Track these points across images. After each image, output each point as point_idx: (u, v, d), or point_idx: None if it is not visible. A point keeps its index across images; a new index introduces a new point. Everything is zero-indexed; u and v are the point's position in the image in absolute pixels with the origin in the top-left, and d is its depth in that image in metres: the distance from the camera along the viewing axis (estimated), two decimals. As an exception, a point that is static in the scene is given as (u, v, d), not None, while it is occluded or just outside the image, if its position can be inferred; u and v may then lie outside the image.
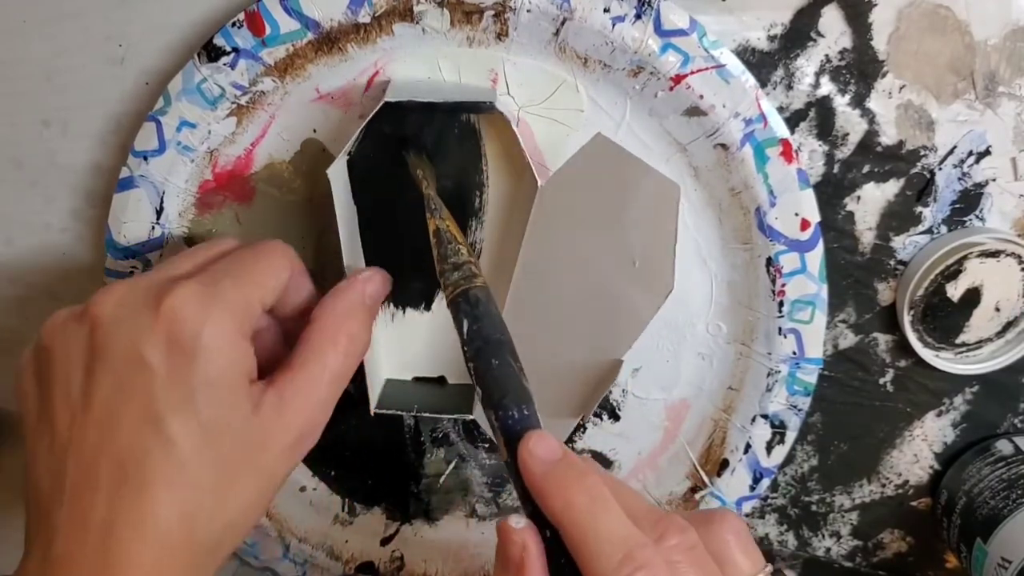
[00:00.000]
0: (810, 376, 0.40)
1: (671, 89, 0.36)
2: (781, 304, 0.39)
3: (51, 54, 0.38)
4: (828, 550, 0.46)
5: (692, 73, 0.35)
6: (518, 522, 0.27)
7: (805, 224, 0.37)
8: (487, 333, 0.31)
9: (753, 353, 0.40)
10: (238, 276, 0.31)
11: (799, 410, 0.40)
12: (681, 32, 0.35)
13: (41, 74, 0.39)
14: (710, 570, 0.26)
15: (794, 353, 0.39)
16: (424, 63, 0.37)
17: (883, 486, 0.44)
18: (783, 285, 0.38)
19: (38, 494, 0.28)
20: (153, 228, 0.38)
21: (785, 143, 0.36)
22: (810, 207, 0.37)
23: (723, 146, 0.37)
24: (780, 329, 0.39)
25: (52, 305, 0.42)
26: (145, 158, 0.37)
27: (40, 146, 0.40)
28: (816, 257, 0.38)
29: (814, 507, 0.45)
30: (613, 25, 0.34)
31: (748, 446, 0.41)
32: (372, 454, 0.44)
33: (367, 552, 0.45)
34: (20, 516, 0.29)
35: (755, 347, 0.40)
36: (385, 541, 0.45)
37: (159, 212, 0.38)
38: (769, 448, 0.41)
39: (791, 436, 0.41)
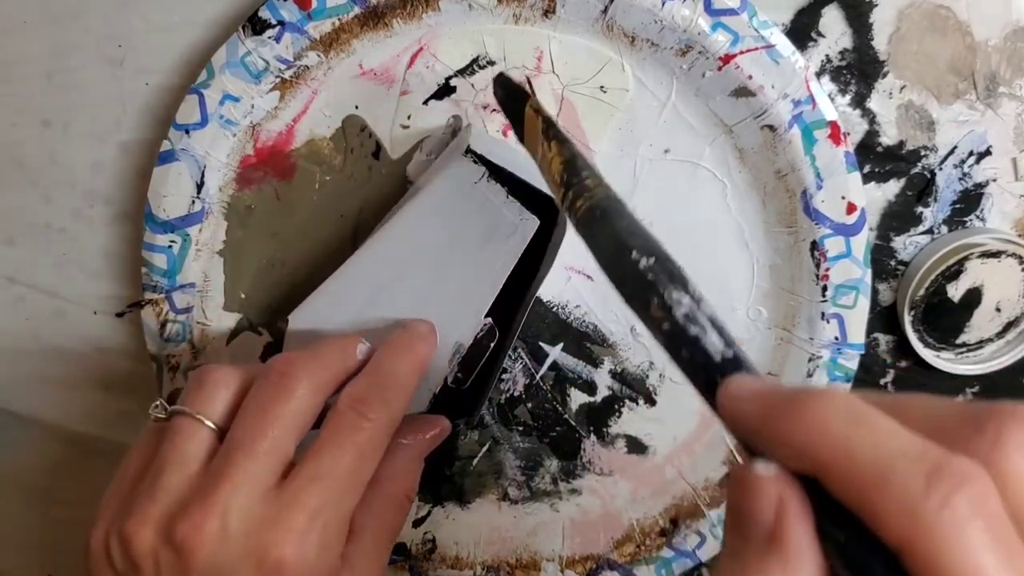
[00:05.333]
0: (851, 362, 0.39)
1: (720, 69, 0.36)
2: (824, 289, 0.38)
3: (51, 54, 0.38)
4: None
5: (741, 53, 0.35)
6: (767, 468, 0.19)
7: (851, 208, 0.37)
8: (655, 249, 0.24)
9: (794, 338, 0.40)
10: (341, 509, 0.30)
11: None
12: (731, 11, 0.35)
13: (41, 74, 0.39)
14: None
15: (836, 339, 0.39)
16: (469, 40, 0.37)
17: (884, 487, 0.44)
18: (827, 269, 0.38)
19: None
20: (193, 202, 0.38)
21: (833, 125, 0.36)
22: (857, 190, 0.37)
23: (770, 127, 0.37)
24: (823, 314, 0.39)
25: (52, 304, 0.42)
26: (187, 131, 0.37)
27: (40, 146, 0.40)
28: (861, 241, 0.37)
29: (814, 508, 0.45)
30: (663, 3, 0.35)
31: None
32: None
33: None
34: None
35: (796, 332, 0.40)
36: (417, 523, 0.45)
37: (199, 186, 0.38)
38: None
39: None
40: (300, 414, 0.30)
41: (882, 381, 0.42)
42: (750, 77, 0.36)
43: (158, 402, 0.32)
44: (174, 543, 0.27)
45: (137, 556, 0.28)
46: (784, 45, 0.35)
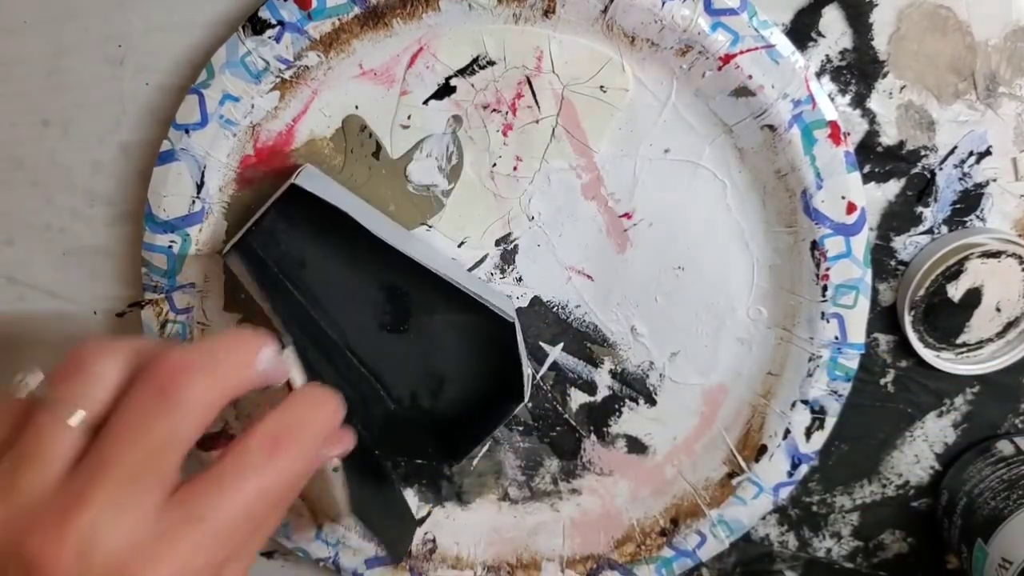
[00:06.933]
0: (851, 361, 0.39)
1: (719, 69, 0.36)
2: (824, 288, 0.38)
3: (51, 54, 0.38)
4: (829, 551, 0.45)
5: (741, 53, 0.35)
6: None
7: (851, 207, 0.37)
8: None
9: (794, 338, 0.40)
10: (218, 557, 0.26)
11: (839, 395, 0.40)
12: (731, 11, 0.35)
13: (41, 74, 0.39)
14: None
15: (836, 338, 0.39)
16: (469, 40, 0.37)
17: (884, 487, 0.44)
18: (827, 269, 0.38)
19: None
20: (193, 202, 0.38)
21: (833, 125, 0.36)
22: (857, 190, 0.37)
23: (770, 127, 0.37)
24: (823, 314, 0.39)
25: (52, 304, 0.42)
26: (187, 131, 0.37)
27: (40, 146, 0.40)
28: (861, 241, 0.37)
29: (815, 508, 0.45)
30: (663, 3, 0.35)
31: (787, 432, 0.41)
32: None
33: (400, 534, 0.45)
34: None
35: (796, 332, 0.40)
36: (418, 523, 0.45)
37: (199, 186, 0.38)
38: (808, 434, 0.41)
39: (831, 422, 0.41)
40: (184, 433, 0.26)
41: (882, 381, 0.42)
42: (750, 77, 0.36)
43: (31, 375, 0.28)
44: (23, 558, 0.24)
45: None
46: (784, 45, 0.35)
